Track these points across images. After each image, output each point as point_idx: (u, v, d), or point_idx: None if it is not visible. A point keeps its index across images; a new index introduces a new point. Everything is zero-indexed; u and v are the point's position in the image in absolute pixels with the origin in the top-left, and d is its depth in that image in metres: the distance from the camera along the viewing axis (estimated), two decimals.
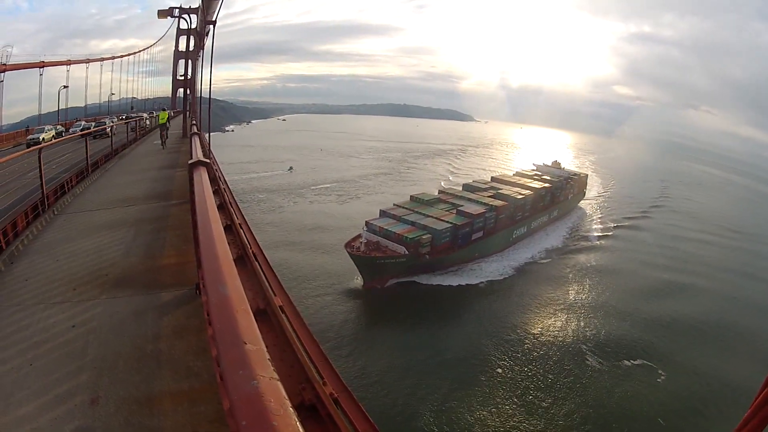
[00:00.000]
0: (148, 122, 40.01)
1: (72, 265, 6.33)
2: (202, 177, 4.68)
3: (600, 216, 78.63)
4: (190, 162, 5.21)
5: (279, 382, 1.43)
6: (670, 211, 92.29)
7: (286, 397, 1.36)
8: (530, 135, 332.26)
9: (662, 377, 31.41)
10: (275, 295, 3.97)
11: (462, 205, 50.16)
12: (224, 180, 11.92)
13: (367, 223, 45.91)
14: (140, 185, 12.50)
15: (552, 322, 39.19)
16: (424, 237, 43.20)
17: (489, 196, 55.18)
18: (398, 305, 41.16)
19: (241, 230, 5.41)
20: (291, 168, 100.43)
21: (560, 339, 36.51)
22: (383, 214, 47.79)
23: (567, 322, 39.32)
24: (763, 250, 72.85)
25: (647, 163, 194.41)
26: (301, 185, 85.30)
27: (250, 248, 4.82)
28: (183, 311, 4.74)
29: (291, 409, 1.33)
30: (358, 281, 43.36)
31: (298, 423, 1.28)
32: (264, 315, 3.39)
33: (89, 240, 7.55)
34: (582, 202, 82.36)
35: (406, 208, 48.82)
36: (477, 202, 52.36)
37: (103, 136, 25.56)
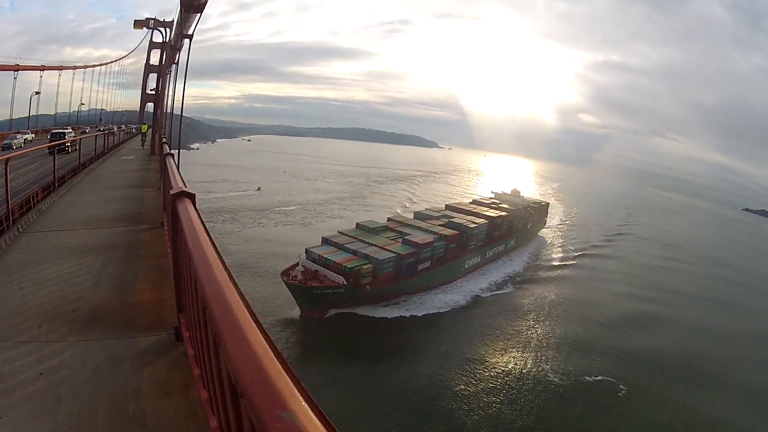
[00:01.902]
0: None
1: (38, 295, 5.71)
2: (189, 213, 4.02)
3: (561, 245, 78.01)
4: (172, 192, 4.56)
5: None
6: (635, 238, 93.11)
7: None
8: (494, 162, 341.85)
9: (623, 393, 32.98)
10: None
11: (409, 234, 48.28)
12: None
13: (306, 250, 43.53)
14: (108, 205, 11.75)
15: (505, 358, 37.51)
16: (364, 267, 41.03)
17: (440, 225, 53.61)
18: (335, 337, 39.04)
19: None
20: (259, 188, 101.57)
21: (518, 371, 35.31)
22: (325, 241, 45.54)
23: (522, 356, 37.79)
24: (725, 274, 73.65)
25: (612, 191, 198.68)
26: (266, 207, 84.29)
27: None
28: (164, 362, 4.20)
29: None
30: (296, 311, 40.83)
31: None
32: None
33: (55, 266, 6.87)
34: (543, 230, 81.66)
35: (350, 236, 46.73)
36: (426, 230, 50.65)
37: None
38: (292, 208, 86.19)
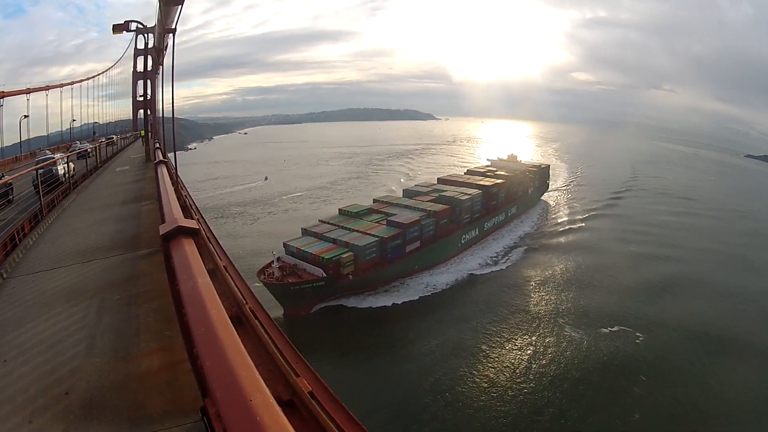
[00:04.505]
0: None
1: (23, 371, 4.37)
2: (190, 261, 2.98)
3: (568, 207, 74.43)
4: (163, 232, 3.59)
5: None
6: (645, 194, 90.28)
7: None
8: (492, 129, 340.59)
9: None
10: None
11: (394, 215, 44.78)
12: (196, 207, 10.78)
13: (284, 244, 40.42)
14: (103, 228, 10.53)
15: (517, 340, 34.09)
16: (344, 255, 37.75)
17: (430, 201, 49.99)
18: (321, 334, 36.11)
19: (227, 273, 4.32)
20: (266, 178, 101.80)
21: (536, 352, 32.29)
22: (305, 232, 42.30)
23: (537, 334, 34.56)
24: (741, 227, 69.73)
25: (614, 147, 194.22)
26: (274, 196, 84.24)
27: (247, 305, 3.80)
28: None
29: None
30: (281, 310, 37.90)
31: None
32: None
33: (42, 321, 5.50)
34: (546, 194, 77.88)
35: (332, 224, 43.34)
36: (414, 208, 47.10)
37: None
38: (299, 194, 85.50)
